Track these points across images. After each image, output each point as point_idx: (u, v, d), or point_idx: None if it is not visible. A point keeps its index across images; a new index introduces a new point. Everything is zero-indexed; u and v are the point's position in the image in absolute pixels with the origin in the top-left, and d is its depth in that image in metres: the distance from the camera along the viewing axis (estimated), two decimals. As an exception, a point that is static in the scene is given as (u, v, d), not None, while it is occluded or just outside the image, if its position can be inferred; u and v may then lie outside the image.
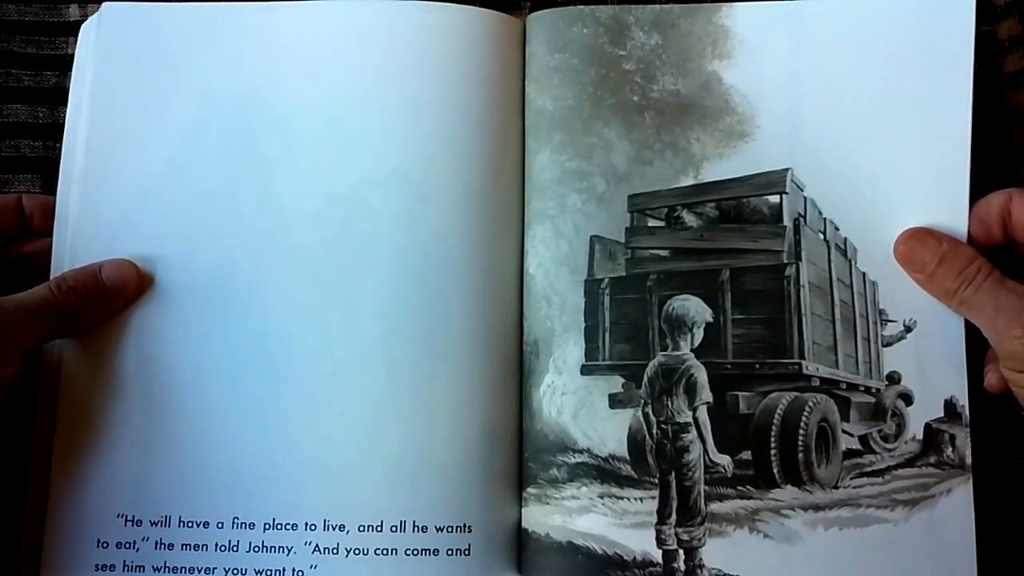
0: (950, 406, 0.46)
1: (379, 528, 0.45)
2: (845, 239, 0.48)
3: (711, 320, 0.48)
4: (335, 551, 0.45)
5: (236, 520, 0.45)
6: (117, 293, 0.47)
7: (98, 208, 0.48)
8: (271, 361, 0.47)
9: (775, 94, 0.49)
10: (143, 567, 0.45)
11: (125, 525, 0.45)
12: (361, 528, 0.45)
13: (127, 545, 0.45)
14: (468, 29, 0.50)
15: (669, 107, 0.50)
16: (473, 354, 0.47)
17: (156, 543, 0.45)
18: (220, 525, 0.45)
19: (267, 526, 0.45)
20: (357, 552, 0.45)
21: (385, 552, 0.45)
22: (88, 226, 0.48)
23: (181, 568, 0.45)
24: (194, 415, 0.46)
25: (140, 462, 0.46)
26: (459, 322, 0.47)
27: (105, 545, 0.45)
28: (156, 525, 0.45)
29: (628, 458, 0.46)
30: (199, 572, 0.45)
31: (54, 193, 0.49)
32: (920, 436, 0.46)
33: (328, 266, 0.47)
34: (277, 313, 0.47)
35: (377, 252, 0.47)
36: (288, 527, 0.45)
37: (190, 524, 0.45)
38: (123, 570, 0.45)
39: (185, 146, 0.49)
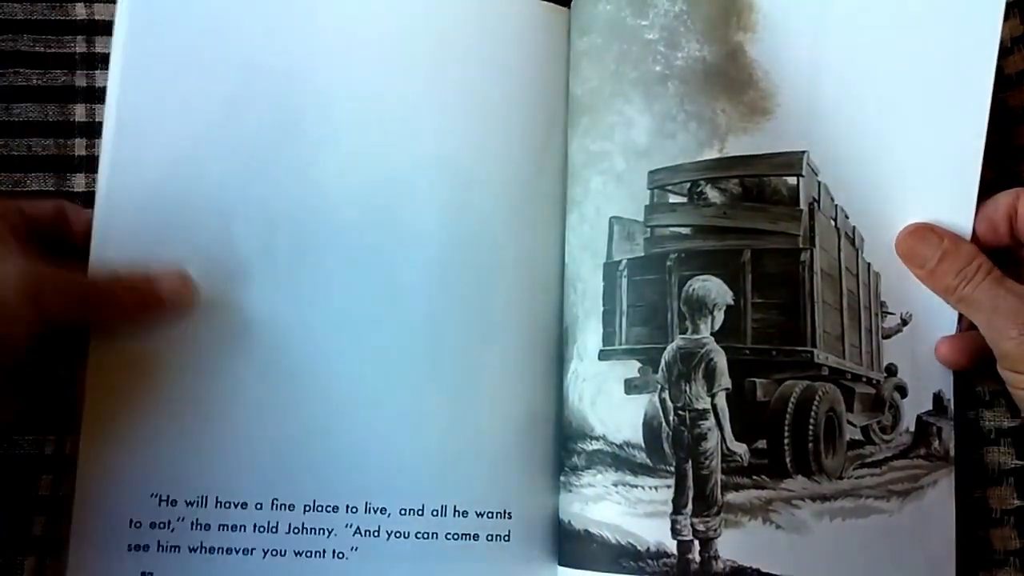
0: (938, 399, 0.47)
1: (420, 512, 0.45)
2: (854, 228, 0.48)
3: (732, 303, 0.46)
4: (376, 534, 0.44)
5: (275, 501, 0.44)
6: (172, 303, 0.44)
7: (128, 183, 0.46)
8: (313, 342, 0.45)
9: (795, 73, 0.48)
10: (178, 547, 0.44)
11: (160, 505, 0.44)
12: (403, 511, 0.45)
13: (162, 525, 0.44)
14: (515, 17, 0.49)
15: (694, 75, 0.47)
16: (515, 340, 0.47)
17: (192, 523, 0.44)
18: (259, 506, 0.44)
19: (307, 508, 0.44)
20: (398, 535, 0.44)
21: (426, 536, 0.44)
22: (118, 202, 0.45)
23: (218, 549, 0.44)
24: (233, 393, 0.45)
25: (175, 440, 0.44)
26: (502, 308, 0.47)
27: (138, 525, 0.44)
28: (192, 505, 0.44)
29: (643, 445, 0.44)
30: (237, 553, 0.44)
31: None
32: (912, 428, 0.47)
33: (372, 249, 0.47)
34: (320, 293, 0.46)
35: (422, 236, 0.47)
36: (329, 509, 0.44)
37: (228, 504, 0.44)
38: (157, 550, 0.43)
39: (224, 120, 0.47)
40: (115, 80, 0.46)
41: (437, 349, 0.46)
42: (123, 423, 0.44)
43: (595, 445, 0.44)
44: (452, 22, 0.49)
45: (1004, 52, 0.52)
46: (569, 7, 0.51)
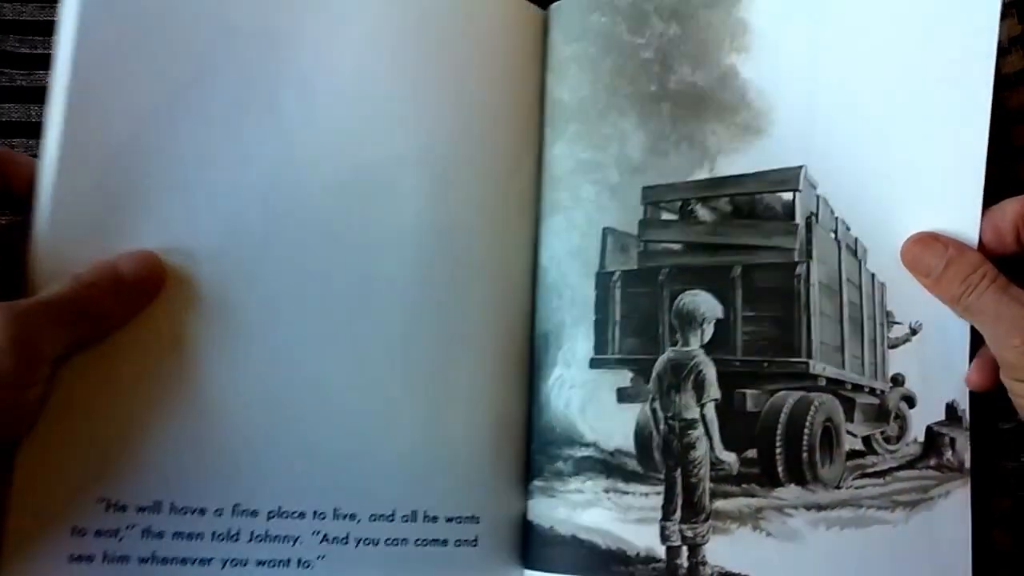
0: (951, 409, 0.46)
1: (391, 517, 0.44)
2: (856, 239, 0.48)
3: (721, 316, 0.47)
4: (344, 541, 0.43)
5: (237, 507, 0.41)
6: (140, 288, 0.41)
7: (84, 151, 0.41)
8: (281, 334, 0.43)
9: (792, 90, 0.48)
10: (127, 558, 0.40)
11: (107, 511, 0.40)
12: (373, 517, 0.43)
13: (109, 533, 0.40)
14: (493, 14, 0.49)
15: (686, 98, 0.49)
16: (488, 343, 0.47)
17: (143, 531, 0.40)
18: (219, 512, 0.41)
19: (272, 514, 0.42)
20: (367, 542, 0.43)
21: (395, 542, 0.43)
22: (71, 171, 0.41)
23: (172, 559, 0.40)
24: (191, 388, 0.41)
25: (126, 439, 0.40)
26: (476, 310, 0.46)
27: (82, 533, 0.40)
28: (144, 511, 0.40)
29: (635, 453, 0.46)
30: (193, 564, 0.40)
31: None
32: (921, 438, 0.46)
33: (348, 241, 0.44)
34: (289, 283, 0.43)
35: (400, 232, 0.45)
36: (295, 515, 0.42)
37: (184, 511, 0.41)
38: (103, 561, 0.39)
39: (192, 84, 0.43)
40: (69, 34, 0.42)
41: (411, 350, 0.44)
42: (67, 419, 0.40)
43: (585, 452, 0.46)
44: (432, 12, 0.47)
45: (1002, 52, 0.50)
46: (545, 8, 0.51)
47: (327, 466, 0.43)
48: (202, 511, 0.41)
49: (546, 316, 0.48)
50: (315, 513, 0.43)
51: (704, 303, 0.47)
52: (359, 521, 0.43)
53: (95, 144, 0.42)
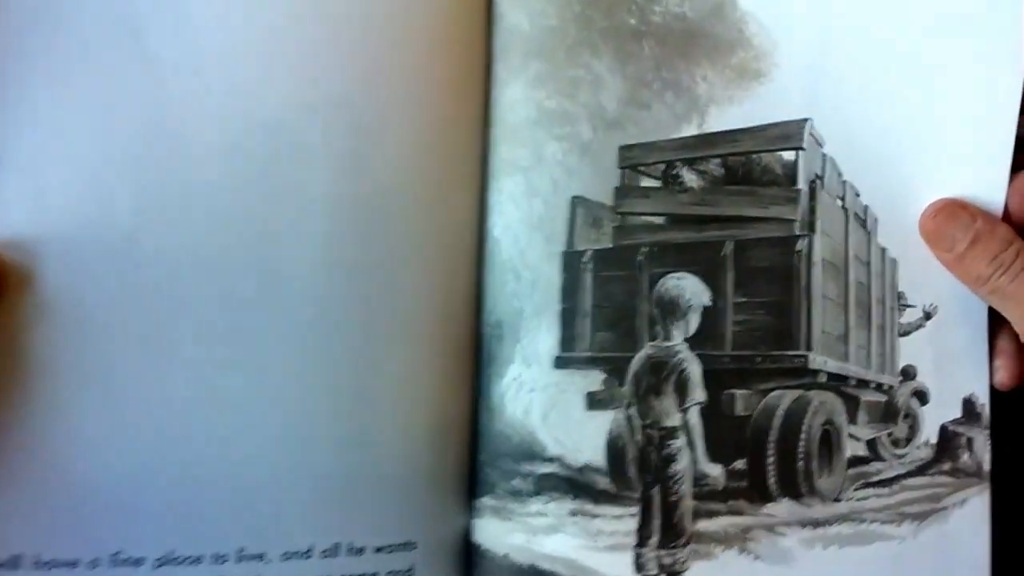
0: (969, 405, 0.41)
1: (308, 554, 0.37)
2: (866, 207, 0.42)
3: (709, 304, 0.41)
4: None
5: (118, 556, 0.35)
6: None
7: None
8: (164, 346, 0.36)
9: (798, 25, 0.41)
10: None
11: None
12: (286, 556, 0.37)
13: None
14: None
15: (672, 34, 0.41)
16: (423, 334, 0.40)
17: None
18: (94, 564, 0.35)
19: (160, 562, 0.36)
20: None
21: None
22: None
23: None
24: (56, 416, 0.35)
25: None
26: (408, 295, 0.39)
27: None
28: (1, 568, 0.35)
29: (606, 469, 0.40)
30: None
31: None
32: (934, 440, 0.41)
33: (244, 219, 0.37)
34: (172, 280, 0.36)
35: (310, 203, 0.38)
36: (189, 561, 0.36)
37: (50, 565, 0.35)
38: None
39: (28, 24, 0.35)
40: None
41: (327, 350, 0.38)
42: None
43: (548, 468, 0.40)
44: None
45: None
46: None
47: (227, 499, 0.37)
48: (73, 564, 0.35)
49: (499, 300, 0.41)
50: (215, 557, 0.36)
51: (689, 288, 0.40)
52: (269, 562, 0.37)
53: None
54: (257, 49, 0.37)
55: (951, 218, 0.40)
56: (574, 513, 0.40)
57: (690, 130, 0.41)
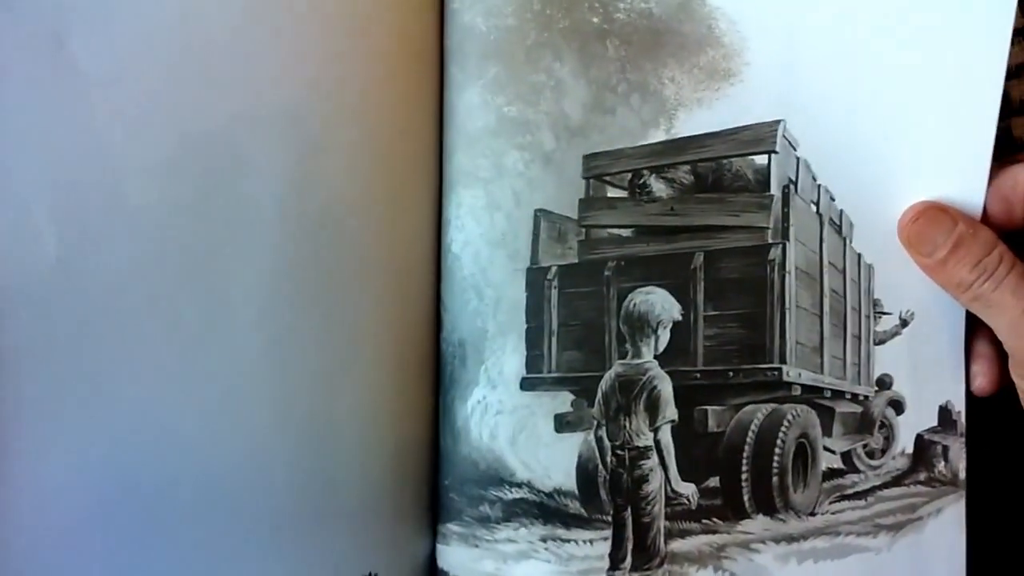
0: (945, 413, 0.40)
1: None
2: (841, 212, 0.40)
3: (679, 318, 0.39)
4: None
5: None
6: None
7: None
8: (100, 386, 0.32)
9: (770, 20, 0.39)
10: None
11: None
12: None
13: None
14: None
15: (638, 33, 0.39)
16: (379, 359, 0.38)
17: None
18: None
19: None
20: None
21: None
22: None
23: None
24: None
25: None
26: (362, 314, 0.38)
27: None
28: None
29: (577, 493, 0.39)
30: None
31: None
32: (910, 449, 0.40)
33: (184, 242, 0.34)
34: (107, 312, 0.32)
35: (255, 222, 0.35)
36: None
37: None
38: None
39: None
40: None
41: (278, 377, 0.35)
42: None
43: (517, 493, 0.38)
44: None
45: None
46: None
47: (180, 536, 0.34)
48: None
49: (461, 320, 0.40)
50: None
51: (659, 303, 0.39)
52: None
53: None
54: (192, 58, 0.34)
55: (931, 222, 0.38)
56: (545, 539, 0.39)
57: (658, 136, 0.39)
